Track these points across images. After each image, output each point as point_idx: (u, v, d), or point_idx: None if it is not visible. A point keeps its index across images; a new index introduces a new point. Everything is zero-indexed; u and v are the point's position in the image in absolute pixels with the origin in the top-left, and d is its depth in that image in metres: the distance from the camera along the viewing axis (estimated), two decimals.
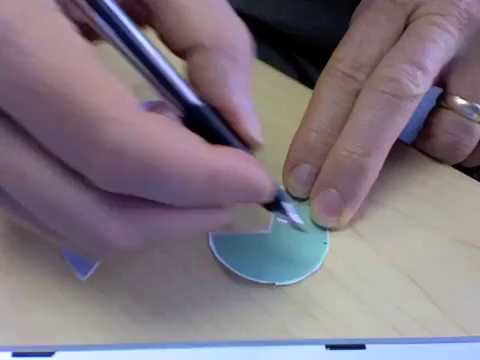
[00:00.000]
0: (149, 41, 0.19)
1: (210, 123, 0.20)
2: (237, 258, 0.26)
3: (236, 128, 0.21)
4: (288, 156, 0.29)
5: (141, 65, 0.19)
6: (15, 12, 0.16)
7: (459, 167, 0.32)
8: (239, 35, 0.21)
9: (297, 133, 0.29)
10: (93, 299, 0.25)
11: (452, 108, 0.30)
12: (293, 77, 0.36)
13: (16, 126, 0.17)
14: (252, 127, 0.21)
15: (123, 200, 0.19)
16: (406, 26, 0.29)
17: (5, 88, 0.16)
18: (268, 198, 0.22)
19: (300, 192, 0.29)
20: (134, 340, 0.24)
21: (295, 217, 0.24)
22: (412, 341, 0.24)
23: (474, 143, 0.31)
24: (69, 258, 0.26)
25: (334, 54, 0.30)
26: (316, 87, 0.30)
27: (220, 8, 0.21)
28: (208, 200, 0.20)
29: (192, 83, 0.20)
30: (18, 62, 0.16)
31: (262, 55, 0.30)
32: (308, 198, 0.29)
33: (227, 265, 0.26)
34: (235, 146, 0.21)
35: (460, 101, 0.30)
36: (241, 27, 0.21)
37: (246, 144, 0.21)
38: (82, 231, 0.19)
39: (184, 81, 0.20)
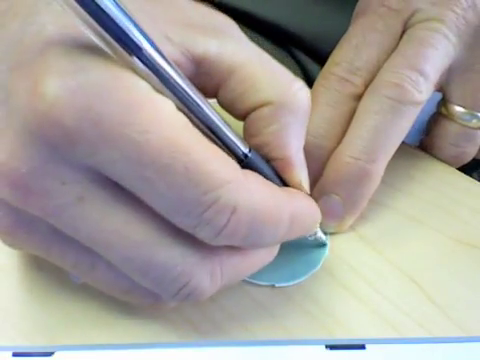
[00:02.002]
0: (203, 97, 0.20)
1: (262, 170, 0.22)
2: None
3: (287, 176, 0.23)
4: None
5: (195, 119, 0.19)
6: (126, 97, 0.17)
7: (459, 167, 0.32)
8: (301, 94, 0.22)
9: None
10: (93, 299, 0.25)
11: (453, 116, 0.31)
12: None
13: (121, 193, 0.19)
14: (304, 178, 0.23)
15: (213, 252, 0.20)
16: (402, 32, 0.29)
17: (127, 164, 0.18)
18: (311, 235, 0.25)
19: None
20: (134, 340, 0.24)
21: (320, 233, 0.26)
22: (412, 341, 0.24)
23: (477, 148, 0.32)
24: None
25: (331, 58, 0.30)
26: (312, 91, 0.30)
27: (281, 69, 0.22)
28: (283, 240, 0.22)
29: (249, 133, 0.22)
30: (139, 140, 0.17)
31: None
32: None
33: None
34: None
35: (460, 109, 0.31)
36: (301, 85, 0.22)
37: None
38: (175, 284, 0.20)
39: (233, 131, 0.21)
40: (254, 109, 0.21)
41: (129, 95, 0.17)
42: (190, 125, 0.19)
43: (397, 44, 0.29)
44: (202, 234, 0.19)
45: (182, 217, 0.19)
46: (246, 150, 0.21)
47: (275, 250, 0.23)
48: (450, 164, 0.32)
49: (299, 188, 0.23)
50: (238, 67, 0.21)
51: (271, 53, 0.22)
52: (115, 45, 0.17)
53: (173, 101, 0.18)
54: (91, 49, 0.18)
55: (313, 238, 0.26)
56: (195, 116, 0.19)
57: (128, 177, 0.18)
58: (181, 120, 0.18)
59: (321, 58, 0.31)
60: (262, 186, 0.20)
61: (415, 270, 0.27)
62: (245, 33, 0.23)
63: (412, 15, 0.29)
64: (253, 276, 0.25)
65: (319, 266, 0.26)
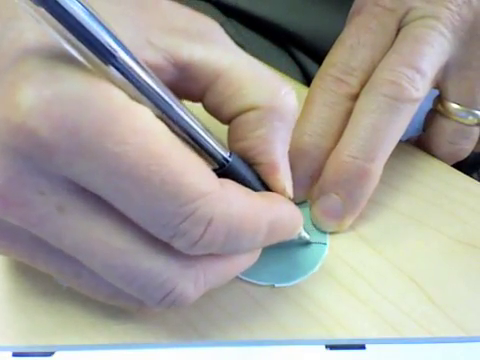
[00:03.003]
0: (182, 104, 0.19)
1: (243, 175, 0.22)
2: None
3: (271, 181, 0.22)
4: None
5: (175, 127, 0.19)
6: (102, 107, 0.17)
7: (459, 167, 0.32)
8: (288, 98, 0.22)
9: (291, 138, 0.29)
10: (93, 299, 0.25)
11: (449, 113, 0.31)
12: (297, 78, 0.36)
13: (101, 203, 0.19)
14: (288, 183, 0.23)
15: (195, 259, 0.20)
16: (398, 30, 0.29)
17: (104, 176, 0.18)
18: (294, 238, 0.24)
19: (296, 195, 0.29)
20: (134, 340, 0.24)
21: (303, 233, 0.26)
22: (412, 341, 0.24)
23: (473, 144, 0.32)
24: None
25: (326, 59, 0.30)
26: (309, 91, 0.30)
27: (268, 73, 0.22)
28: (263, 246, 0.22)
29: (234, 137, 0.22)
30: (116, 151, 0.17)
31: (266, 55, 0.30)
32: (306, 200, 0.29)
33: None
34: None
35: (457, 107, 0.31)
36: (288, 89, 0.22)
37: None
38: (159, 292, 0.20)
39: (213, 136, 0.20)
40: (240, 113, 0.21)
41: (106, 105, 0.17)
42: (169, 134, 0.18)
43: (392, 43, 0.29)
44: (179, 244, 0.19)
45: (158, 228, 0.19)
46: (227, 155, 0.21)
47: (257, 253, 0.23)
48: (446, 161, 0.32)
49: (282, 193, 0.23)
50: (224, 71, 0.21)
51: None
52: (89, 54, 0.17)
53: (151, 109, 0.18)
54: (68, 58, 0.17)
55: (297, 238, 0.26)
56: (174, 123, 0.19)
57: (104, 188, 0.18)
58: (159, 129, 0.18)
59: (320, 57, 0.31)
60: (240, 195, 0.20)
61: (415, 270, 0.27)
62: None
63: (407, 13, 0.29)
64: (253, 276, 0.25)
65: (319, 266, 0.26)
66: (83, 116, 0.17)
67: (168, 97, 0.19)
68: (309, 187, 0.28)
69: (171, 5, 0.21)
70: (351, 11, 0.32)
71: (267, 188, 0.23)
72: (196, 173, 0.18)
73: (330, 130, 0.28)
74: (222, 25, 0.22)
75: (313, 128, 0.28)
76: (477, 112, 0.31)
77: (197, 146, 0.20)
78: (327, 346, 0.24)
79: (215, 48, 0.21)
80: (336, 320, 0.25)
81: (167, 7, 0.21)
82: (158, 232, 0.19)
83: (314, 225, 0.28)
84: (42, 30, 0.17)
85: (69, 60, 0.17)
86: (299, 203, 0.29)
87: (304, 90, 0.34)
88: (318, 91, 0.29)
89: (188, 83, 0.21)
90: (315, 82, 0.30)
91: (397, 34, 0.29)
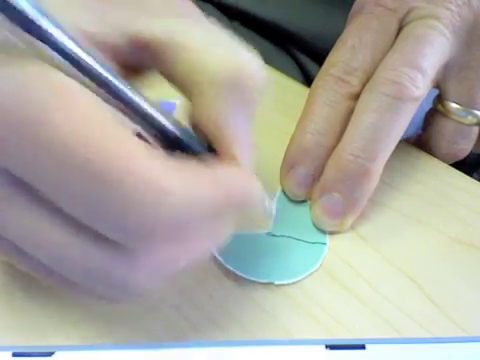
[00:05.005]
0: (125, 81, 0.19)
1: (196, 149, 0.21)
2: (236, 257, 0.26)
3: (226, 155, 0.21)
4: (284, 159, 0.29)
5: (120, 105, 0.18)
6: (37, 91, 0.16)
7: (459, 167, 0.32)
8: (252, 72, 0.21)
9: (292, 136, 0.29)
10: (93, 299, 0.25)
11: (449, 113, 0.31)
12: (297, 78, 0.36)
13: (32, 192, 0.18)
14: (246, 158, 0.21)
15: (144, 250, 0.19)
16: (398, 30, 0.30)
17: (38, 167, 0.17)
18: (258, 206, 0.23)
19: (297, 194, 0.29)
20: (134, 340, 0.24)
21: (267, 201, 0.25)
22: (412, 341, 0.24)
23: (472, 144, 0.32)
24: None
25: (328, 59, 0.30)
26: (310, 91, 0.30)
27: (234, 46, 0.21)
28: (224, 227, 0.21)
29: (195, 110, 0.21)
30: (50, 139, 0.16)
31: (266, 55, 0.30)
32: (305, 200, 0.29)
33: (225, 264, 0.26)
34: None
35: (456, 106, 0.31)
36: (254, 64, 0.21)
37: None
38: (109, 283, 0.19)
39: (162, 111, 0.20)
40: (202, 86, 0.20)
41: (40, 89, 0.16)
42: (109, 116, 0.17)
43: (393, 43, 0.29)
44: (121, 240, 0.18)
45: (99, 223, 0.18)
46: (178, 131, 0.20)
47: (222, 230, 0.22)
48: (446, 160, 0.32)
49: (237, 166, 0.21)
50: (185, 45, 0.20)
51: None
52: (20, 31, 0.16)
53: (92, 90, 0.17)
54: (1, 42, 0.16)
55: (263, 209, 0.25)
56: (119, 101, 0.18)
57: (40, 180, 0.17)
58: (98, 113, 0.17)
59: (320, 58, 0.31)
60: (188, 177, 0.18)
61: (415, 270, 0.27)
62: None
63: (408, 13, 0.29)
64: (252, 274, 0.26)
65: (318, 265, 0.26)
66: (15, 101, 0.16)
67: (111, 75, 0.18)
68: (311, 186, 0.28)
69: None
70: (352, 11, 0.32)
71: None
72: (139, 159, 0.17)
73: (331, 129, 0.28)
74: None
75: (314, 126, 0.28)
76: (477, 112, 0.31)
77: (145, 124, 0.19)
78: (327, 346, 0.24)
79: (176, 22, 0.20)
80: (336, 320, 0.25)
81: None
82: (100, 228, 0.18)
83: (314, 225, 0.28)
84: None
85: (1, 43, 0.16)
86: (299, 203, 0.29)
87: (304, 90, 0.35)
88: (319, 91, 0.29)
89: (146, 57, 0.20)
90: (316, 82, 0.30)
91: (398, 34, 0.30)
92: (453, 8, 0.29)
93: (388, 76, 0.27)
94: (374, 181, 0.27)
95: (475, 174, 0.34)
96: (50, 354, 0.24)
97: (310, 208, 0.29)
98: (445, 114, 0.32)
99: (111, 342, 0.24)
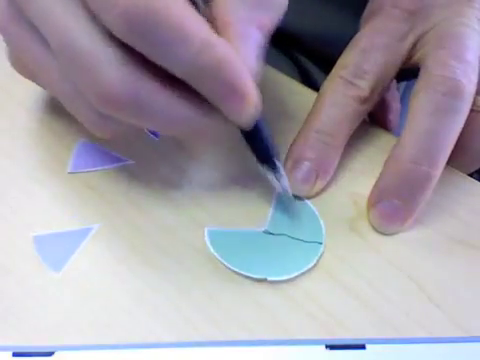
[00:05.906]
0: None
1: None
2: (230, 252, 0.26)
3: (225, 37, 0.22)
4: (288, 154, 0.29)
5: None
6: None
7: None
8: None
9: (298, 133, 0.29)
10: (93, 299, 0.25)
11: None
12: (295, 78, 0.36)
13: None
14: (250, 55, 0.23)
15: (132, 53, 0.21)
16: (414, 34, 0.29)
17: None
18: (250, 114, 0.23)
19: (301, 190, 0.29)
20: (134, 340, 0.24)
21: (284, 179, 0.27)
22: (412, 341, 0.24)
23: None
24: (41, 254, 0.26)
25: (339, 61, 0.30)
26: (319, 91, 0.30)
27: None
28: (197, 76, 0.22)
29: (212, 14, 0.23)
30: None
31: (266, 56, 0.30)
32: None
33: (219, 257, 0.26)
34: None
35: None
36: None
37: None
38: (90, 69, 0.21)
39: None
40: None
41: None
42: None
43: (406, 47, 0.29)
44: (108, 25, 0.21)
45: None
46: None
47: (202, 119, 0.23)
48: (477, 160, 0.31)
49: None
50: None
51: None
52: None
53: None
54: None
55: (276, 186, 0.26)
56: None
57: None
58: None
59: (320, 59, 0.31)
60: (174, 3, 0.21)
61: (415, 270, 0.27)
62: None
63: (427, 16, 0.29)
64: (246, 268, 0.26)
65: (313, 263, 0.26)
66: None
67: None
68: (314, 183, 0.28)
69: None
70: (367, 12, 0.32)
71: None
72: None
73: (338, 129, 0.28)
74: None
75: (321, 126, 0.28)
76: None
77: None
78: (327, 346, 0.24)
79: None
80: (336, 320, 0.25)
81: None
82: (96, 10, 0.21)
83: (310, 223, 0.28)
84: None
85: None
86: (296, 201, 0.29)
87: (304, 91, 0.35)
88: (328, 92, 0.29)
89: None
90: (326, 84, 0.30)
91: (410, 38, 0.29)
92: (476, 6, 0.29)
93: (441, 72, 0.27)
94: (433, 185, 0.27)
95: (475, 174, 0.34)
96: (50, 354, 0.24)
97: (307, 207, 0.29)
98: (477, 109, 0.30)
99: (111, 342, 0.24)
